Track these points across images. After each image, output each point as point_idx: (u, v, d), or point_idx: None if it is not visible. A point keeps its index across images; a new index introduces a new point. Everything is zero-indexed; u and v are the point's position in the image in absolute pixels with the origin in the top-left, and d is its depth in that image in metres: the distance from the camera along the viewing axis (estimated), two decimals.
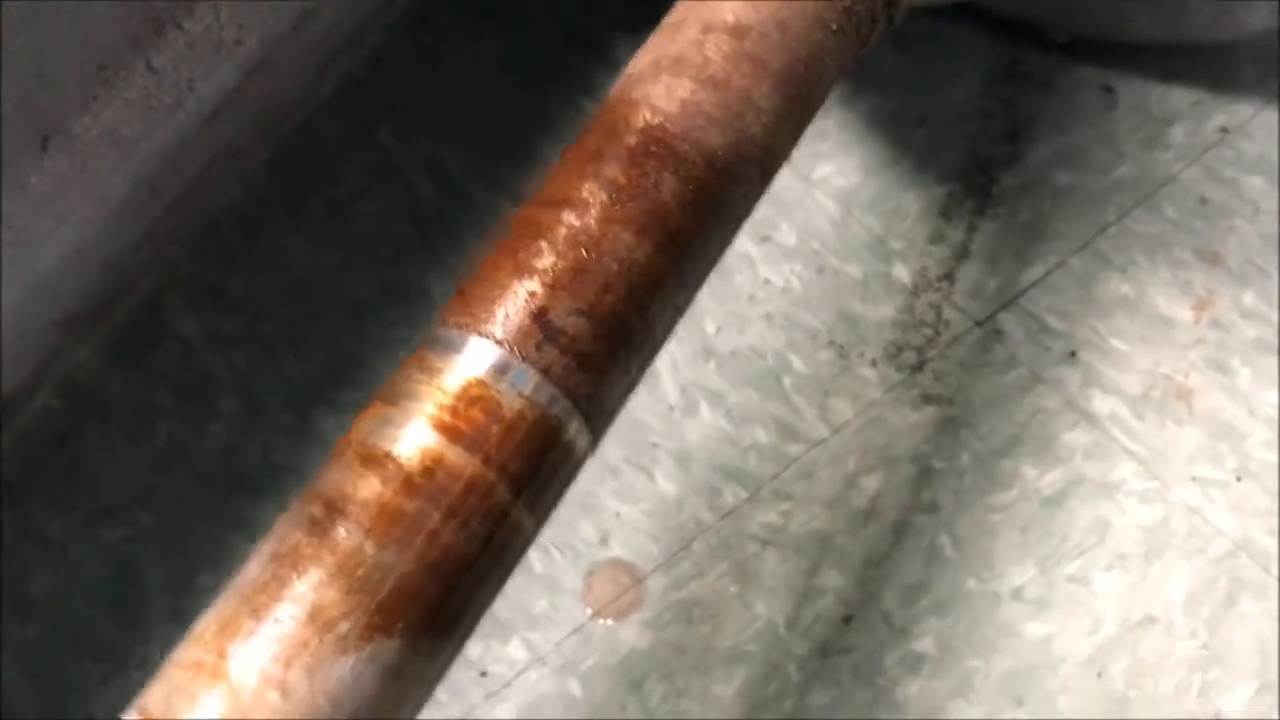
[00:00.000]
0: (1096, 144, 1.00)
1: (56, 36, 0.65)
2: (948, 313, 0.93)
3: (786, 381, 0.91)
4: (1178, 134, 1.00)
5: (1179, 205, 0.97)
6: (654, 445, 0.89)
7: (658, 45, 0.60)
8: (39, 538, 0.89)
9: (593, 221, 0.53)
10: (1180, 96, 1.01)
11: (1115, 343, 0.91)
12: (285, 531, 0.48)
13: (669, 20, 0.62)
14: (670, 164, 0.55)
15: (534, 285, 0.51)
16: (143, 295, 0.94)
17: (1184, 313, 0.92)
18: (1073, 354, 0.91)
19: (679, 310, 0.56)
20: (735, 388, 0.91)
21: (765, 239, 0.96)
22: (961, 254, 0.96)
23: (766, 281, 0.95)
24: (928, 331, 0.92)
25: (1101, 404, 0.89)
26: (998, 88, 1.03)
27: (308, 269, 0.98)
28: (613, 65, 1.07)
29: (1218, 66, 1.02)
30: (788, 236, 0.97)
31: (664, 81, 0.58)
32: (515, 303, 0.51)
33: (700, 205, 0.56)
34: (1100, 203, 0.97)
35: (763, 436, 0.88)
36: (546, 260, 0.52)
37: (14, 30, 0.62)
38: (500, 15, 1.10)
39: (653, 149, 0.55)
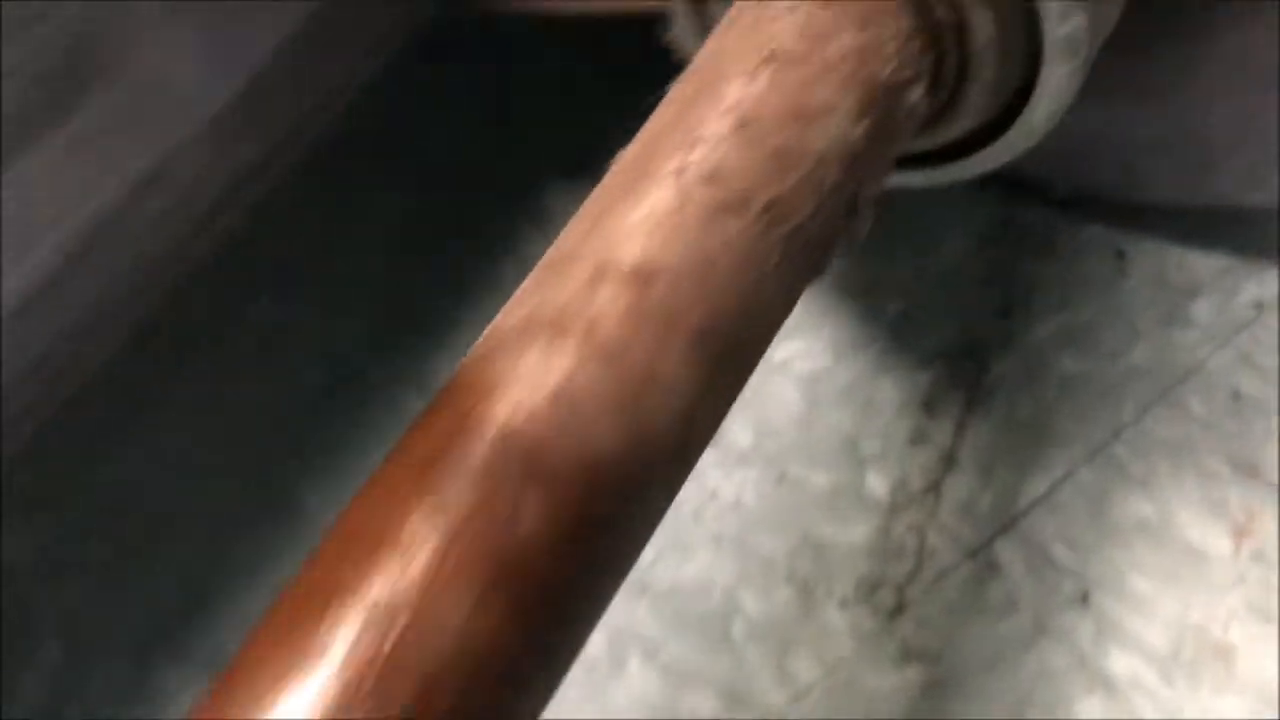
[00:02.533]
0: (1107, 321, 0.84)
1: None
2: (933, 539, 0.77)
3: (737, 628, 0.74)
4: (1202, 310, 0.84)
5: (1208, 400, 0.81)
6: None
7: (535, 290, 0.44)
8: None
9: (414, 577, 0.37)
10: (1204, 263, 0.86)
11: (1137, 581, 0.75)
12: None
13: (554, 252, 0.46)
14: (536, 482, 0.39)
15: (314, 693, 0.35)
16: None
17: (1219, 542, 0.76)
18: (1085, 596, 0.74)
19: (549, 692, 0.39)
20: (674, 635, 0.74)
21: (714, 439, 0.80)
22: (949, 461, 0.79)
23: (714, 494, 0.79)
24: (909, 563, 0.76)
25: (1120, 664, 0.72)
26: (990, 251, 0.88)
27: (159, 477, 0.82)
28: (543, 220, 0.92)
29: (1246, 226, 0.87)
30: (741, 435, 0.81)
31: (535, 352, 0.41)
32: None
33: (579, 540, 0.39)
34: (1114, 396, 0.81)
35: (704, 706, 0.71)
36: (336, 651, 0.35)
37: None
38: (412, 158, 0.95)
39: (511, 461, 0.39)
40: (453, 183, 0.93)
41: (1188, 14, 0.75)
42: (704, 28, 0.61)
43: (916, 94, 0.51)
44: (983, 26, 0.52)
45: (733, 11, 0.53)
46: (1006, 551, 0.76)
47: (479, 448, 0.39)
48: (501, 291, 0.88)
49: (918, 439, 0.80)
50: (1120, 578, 0.75)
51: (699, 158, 0.46)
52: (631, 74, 0.64)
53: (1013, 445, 0.80)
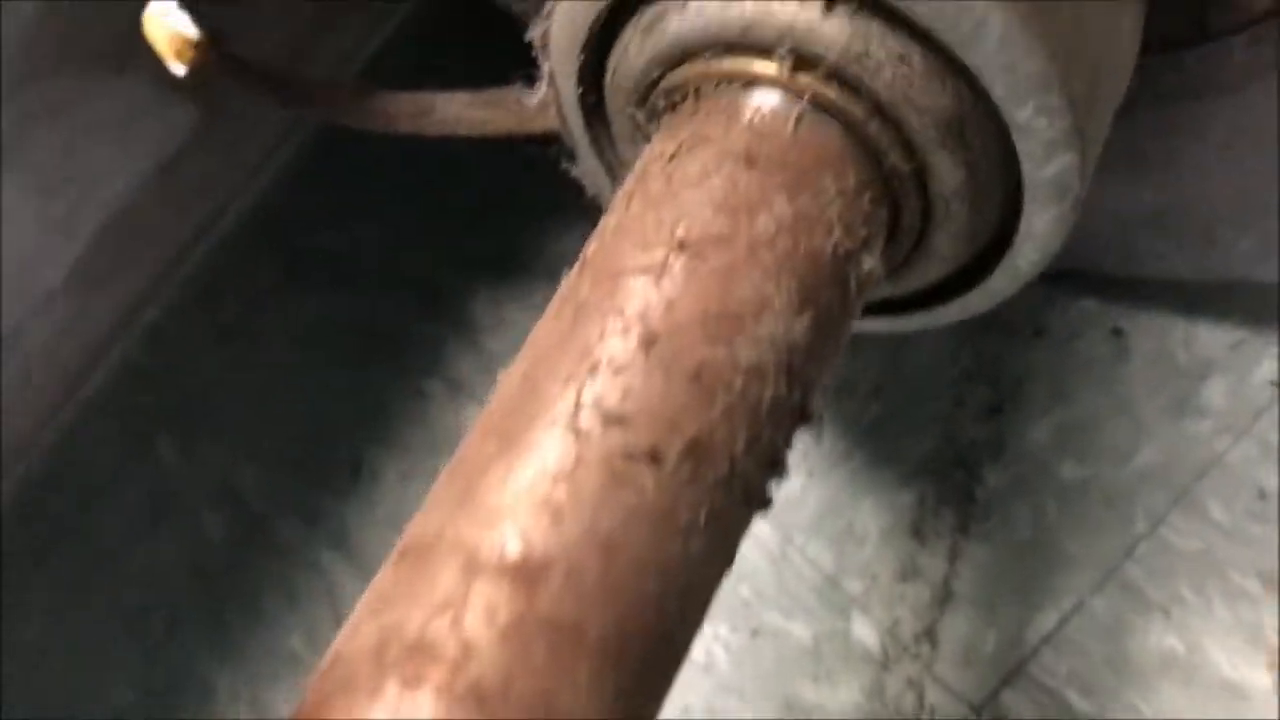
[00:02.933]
0: (1109, 415, 0.75)
1: None
2: (932, 694, 0.67)
3: None
4: (1215, 393, 0.75)
5: (1229, 502, 0.71)
6: None
7: (390, 594, 0.34)
8: None
9: None
10: (1213, 338, 0.76)
11: None
12: None
13: (416, 532, 0.36)
14: None
15: None
16: None
17: (1256, 674, 0.66)
18: None
19: None
20: None
21: None
22: (943, 597, 0.70)
23: None
24: None
25: None
26: (975, 340, 0.78)
27: (51, 653, 0.72)
28: (470, 335, 0.82)
29: (1256, 295, 0.77)
30: None
31: (388, 696, 0.31)
32: None
33: None
34: (1123, 505, 0.71)
35: None
36: None
37: None
38: (322, 269, 0.84)
39: None
40: (373, 296, 0.83)
41: (1184, 78, 0.65)
42: (610, 165, 0.51)
43: (871, 261, 0.41)
44: (948, 172, 0.42)
45: (640, 165, 0.43)
46: (1016, 703, 0.67)
47: None
48: (426, 425, 0.78)
49: (908, 573, 0.70)
50: None
51: (599, 391, 0.36)
52: (562, 175, 0.55)
53: (1014, 572, 0.70)
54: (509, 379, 0.38)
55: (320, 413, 0.79)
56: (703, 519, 0.36)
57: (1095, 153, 0.44)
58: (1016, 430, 0.75)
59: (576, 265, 0.41)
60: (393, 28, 0.79)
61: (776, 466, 0.39)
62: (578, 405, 0.36)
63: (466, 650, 0.32)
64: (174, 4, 0.67)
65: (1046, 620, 0.69)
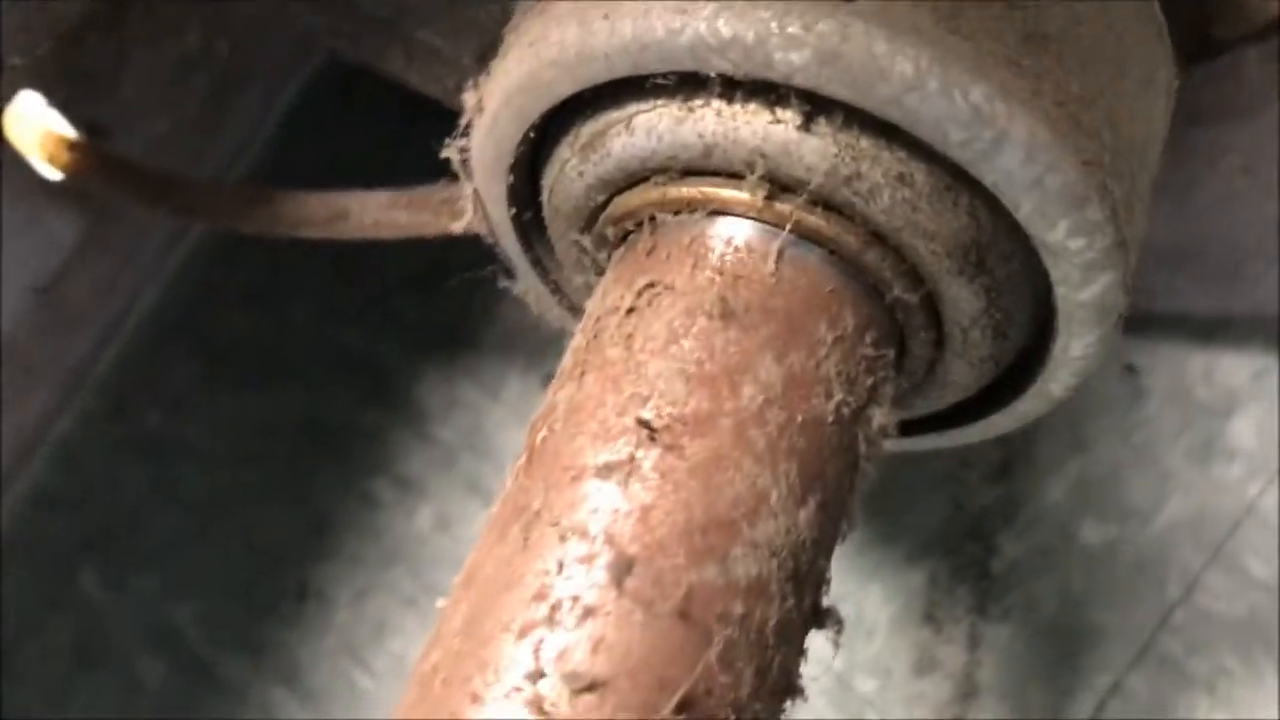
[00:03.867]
0: (1129, 464, 0.68)
1: None
2: None
3: None
4: (1242, 433, 0.68)
5: (1268, 555, 0.65)
6: None
7: None
8: None
9: None
10: (1235, 366, 0.70)
11: None
12: None
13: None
14: None
15: None
16: None
17: None
18: None
19: None
20: None
21: None
22: (966, 690, 0.63)
23: None
24: None
25: None
26: None
27: None
28: (419, 424, 0.73)
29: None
30: None
31: None
32: None
33: None
34: (1153, 568, 0.65)
35: None
36: None
37: None
38: (246, 362, 0.76)
39: None
40: (316, 393, 0.75)
41: (1196, 101, 0.58)
42: (556, 286, 0.43)
43: (881, 415, 0.34)
44: (964, 300, 0.34)
45: (592, 318, 0.35)
46: None
47: None
48: (375, 534, 0.70)
49: (925, 666, 0.63)
50: None
51: (562, 647, 0.28)
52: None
53: (1041, 655, 0.64)
54: (448, 623, 0.31)
55: (258, 530, 0.71)
56: None
57: (1138, 252, 0.37)
58: (1030, 490, 0.68)
59: (523, 457, 0.33)
60: (289, 107, 0.71)
61: (790, 693, 0.32)
62: (538, 669, 0.28)
63: None
64: (41, 101, 0.58)
65: (1081, 706, 0.62)
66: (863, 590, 0.66)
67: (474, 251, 0.75)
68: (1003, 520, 0.67)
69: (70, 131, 0.59)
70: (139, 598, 0.70)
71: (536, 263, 0.42)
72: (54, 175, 0.60)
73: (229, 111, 0.64)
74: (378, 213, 0.51)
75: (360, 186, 0.53)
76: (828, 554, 0.33)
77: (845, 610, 0.66)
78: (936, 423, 0.42)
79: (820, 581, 0.33)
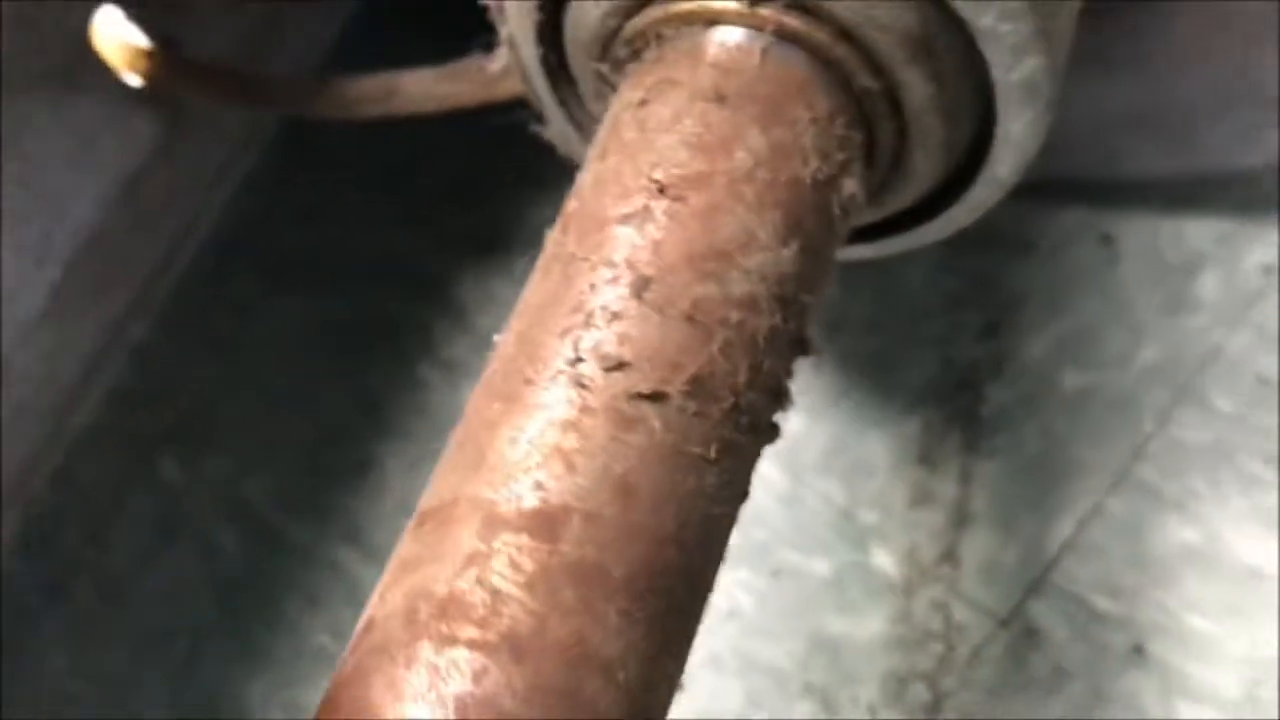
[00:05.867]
0: (1106, 320, 0.75)
1: None
2: (959, 612, 0.67)
3: None
4: (1208, 286, 0.75)
5: (1232, 391, 0.72)
6: None
7: (414, 557, 0.34)
8: None
9: None
10: (1200, 231, 0.76)
11: (1194, 621, 0.66)
12: None
13: (431, 496, 0.36)
14: None
15: None
16: None
17: (1275, 557, 0.67)
18: (1139, 649, 0.65)
19: None
20: None
21: None
22: (960, 518, 0.70)
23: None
24: (937, 647, 0.67)
25: (1193, 716, 0.64)
26: (963, 261, 0.78)
27: (76, 690, 0.72)
28: (459, 316, 0.81)
29: (1241, 185, 0.77)
30: None
31: (424, 659, 0.32)
32: None
33: None
34: (1129, 407, 0.72)
35: None
36: None
37: None
38: (303, 269, 0.84)
39: None
40: (357, 291, 0.82)
41: None
42: (579, 124, 0.51)
43: (851, 184, 0.41)
44: (918, 86, 0.42)
45: (611, 116, 0.43)
46: (1043, 612, 0.67)
47: None
48: (426, 412, 0.78)
49: (921, 499, 0.71)
50: (1175, 620, 0.66)
51: (596, 340, 0.36)
52: (534, 140, 0.55)
53: (1028, 485, 0.71)
54: (505, 342, 0.38)
55: (319, 413, 0.79)
56: (713, 452, 0.36)
57: (1063, 53, 0.44)
58: (1015, 346, 0.75)
59: (559, 223, 0.41)
60: (344, 20, 0.79)
61: (780, 396, 0.39)
62: (577, 356, 0.36)
63: (496, 602, 0.32)
64: (120, 15, 0.66)
65: (1064, 528, 0.69)
66: (862, 438, 0.73)
67: (503, 166, 0.83)
68: (990, 373, 0.74)
69: (146, 42, 0.67)
70: (213, 478, 0.78)
71: (562, 103, 0.50)
72: (134, 81, 0.68)
73: (292, 19, 0.71)
74: (424, 86, 0.58)
75: None
76: (809, 290, 0.40)
77: (848, 457, 0.74)
78: (907, 223, 0.50)
79: (804, 311, 0.40)
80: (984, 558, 0.69)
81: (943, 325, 0.76)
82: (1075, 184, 0.77)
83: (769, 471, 0.73)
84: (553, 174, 0.52)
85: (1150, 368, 0.73)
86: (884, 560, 0.69)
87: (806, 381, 0.75)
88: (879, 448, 0.72)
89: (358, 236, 0.84)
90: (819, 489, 0.72)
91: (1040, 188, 0.78)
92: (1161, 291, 0.75)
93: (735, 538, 0.69)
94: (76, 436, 0.77)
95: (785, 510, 0.72)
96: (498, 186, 0.85)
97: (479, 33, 0.54)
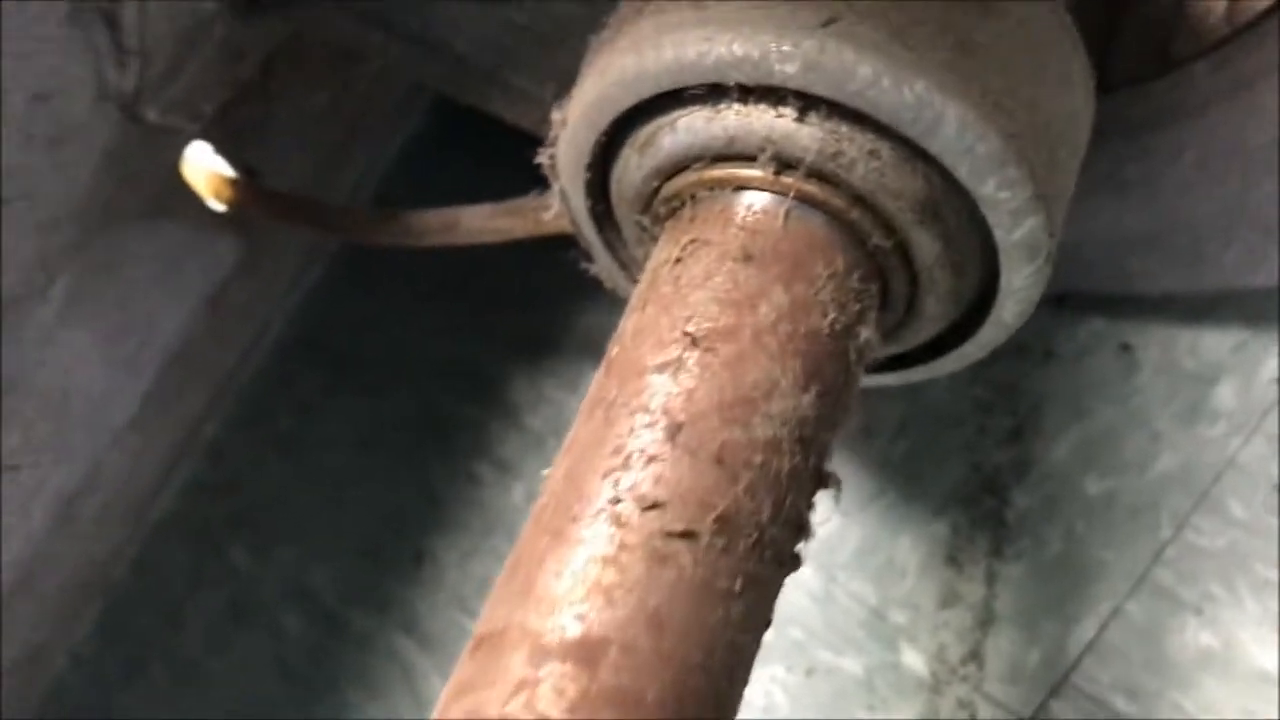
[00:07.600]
0: (1125, 427, 0.78)
1: None
2: (984, 712, 0.70)
3: None
4: (1225, 396, 0.78)
5: (1247, 499, 0.75)
6: None
7: (468, 681, 0.39)
8: None
9: None
10: (1217, 342, 0.80)
11: None
12: None
13: (485, 624, 0.40)
14: None
15: None
16: None
17: None
18: None
19: None
20: None
21: None
22: (985, 618, 0.73)
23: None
24: None
25: None
26: (988, 369, 0.82)
27: None
28: (512, 416, 0.86)
29: (1255, 299, 0.81)
30: None
31: None
32: None
33: None
34: (1147, 513, 0.75)
35: None
36: None
37: None
38: (365, 371, 0.90)
39: None
40: (413, 391, 0.88)
41: (1152, 107, 0.69)
42: (623, 263, 0.56)
43: (867, 331, 0.46)
44: (927, 245, 0.46)
45: (650, 270, 0.47)
46: (1064, 712, 0.70)
47: None
48: (480, 506, 0.82)
49: (949, 600, 0.74)
50: None
51: (634, 481, 0.40)
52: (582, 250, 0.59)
53: (1050, 588, 0.74)
54: (554, 479, 0.43)
55: (379, 507, 0.84)
56: (739, 586, 0.40)
57: (1063, 207, 0.48)
58: (1039, 451, 0.79)
59: (602, 368, 0.45)
60: (405, 142, 0.85)
61: (801, 529, 0.44)
62: (616, 496, 0.40)
63: None
64: (209, 148, 0.72)
65: (1086, 630, 0.72)
66: (894, 539, 0.77)
67: (553, 274, 0.88)
68: (1015, 477, 0.78)
69: (230, 172, 0.73)
70: (280, 566, 0.83)
71: (608, 245, 0.55)
72: (219, 207, 0.74)
73: (354, 150, 0.77)
74: (483, 221, 0.64)
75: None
76: (829, 430, 0.44)
77: (879, 558, 0.77)
78: (924, 356, 0.54)
79: (823, 449, 0.44)
80: (1008, 658, 0.72)
81: (969, 431, 0.79)
82: (1095, 295, 0.81)
83: (804, 571, 0.77)
84: (597, 287, 0.57)
85: (1168, 474, 0.76)
86: (913, 659, 0.73)
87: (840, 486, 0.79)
88: (909, 549, 0.76)
89: (415, 341, 0.89)
90: (852, 589, 0.76)
91: (1063, 299, 0.82)
92: (1178, 400, 0.78)
93: (771, 636, 0.73)
94: (154, 528, 0.83)
95: (819, 610, 0.75)
96: (548, 294, 0.90)
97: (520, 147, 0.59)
